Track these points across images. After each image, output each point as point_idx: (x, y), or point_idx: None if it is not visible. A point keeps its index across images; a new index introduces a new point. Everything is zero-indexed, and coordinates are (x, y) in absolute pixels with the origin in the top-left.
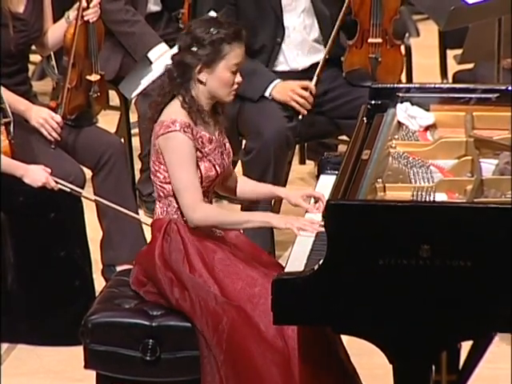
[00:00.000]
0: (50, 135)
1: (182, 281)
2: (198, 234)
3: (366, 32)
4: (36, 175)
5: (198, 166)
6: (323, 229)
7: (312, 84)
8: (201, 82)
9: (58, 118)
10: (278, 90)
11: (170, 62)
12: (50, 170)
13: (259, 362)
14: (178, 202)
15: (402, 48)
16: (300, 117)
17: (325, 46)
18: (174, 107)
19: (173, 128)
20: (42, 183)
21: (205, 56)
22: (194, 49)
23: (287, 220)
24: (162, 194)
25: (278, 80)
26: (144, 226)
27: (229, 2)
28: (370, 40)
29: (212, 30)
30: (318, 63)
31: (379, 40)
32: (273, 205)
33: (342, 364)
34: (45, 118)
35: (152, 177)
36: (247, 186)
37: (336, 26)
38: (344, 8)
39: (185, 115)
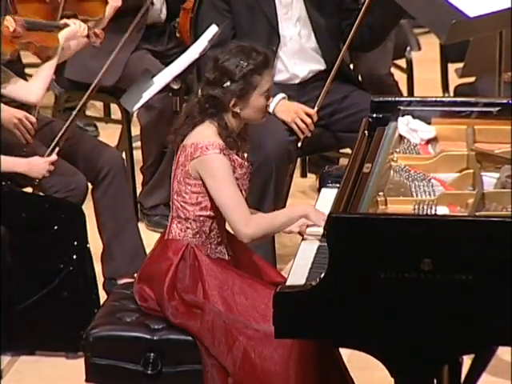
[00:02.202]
0: (24, 137)
1: (193, 306)
2: (214, 259)
3: None
4: (39, 167)
5: None
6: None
7: (315, 111)
8: (236, 114)
9: (33, 118)
10: (282, 108)
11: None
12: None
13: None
14: (217, 222)
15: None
16: (299, 144)
17: (322, 56)
18: (207, 131)
19: (212, 151)
20: (46, 172)
21: (238, 91)
22: (227, 84)
23: (325, 217)
24: (182, 215)
25: (282, 95)
26: (145, 239)
27: (224, 9)
28: None
29: (242, 62)
30: (317, 74)
31: None
32: None
33: (343, 379)
34: (19, 119)
35: (174, 196)
36: None
37: (338, 61)
38: (341, 55)
39: (217, 138)
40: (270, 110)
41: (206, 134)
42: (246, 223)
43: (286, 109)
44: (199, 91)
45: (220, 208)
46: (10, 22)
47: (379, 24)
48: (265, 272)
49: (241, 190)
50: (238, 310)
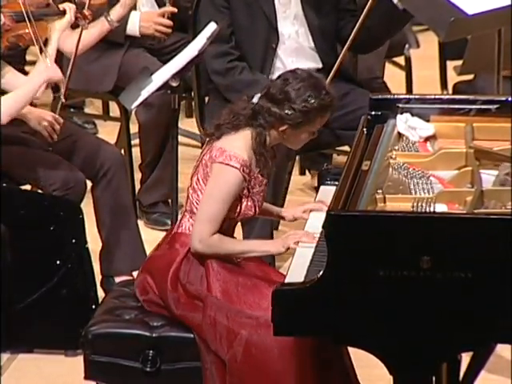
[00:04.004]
0: (51, 137)
1: (196, 298)
2: (220, 259)
3: None
4: (37, 114)
5: (240, 202)
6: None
7: None
8: (282, 133)
9: (61, 120)
10: None
11: (259, 98)
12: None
13: (278, 377)
14: (228, 224)
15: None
16: None
17: (318, 54)
18: (240, 141)
19: (233, 163)
20: (48, 121)
21: (294, 121)
22: (287, 111)
23: (283, 242)
24: (195, 210)
25: None
26: (143, 236)
27: (222, 6)
28: None
29: (309, 98)
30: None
31: None
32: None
33: (346, 375)
34: (50, 121)
35: (190, 191)
36: None
37: (337, 62)
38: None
39: (248, 153)
40: None
41: (237, 145)
42: (201, 241)
43: None
44: (256, 97)
45: (197, 211)
46: None
47: (377, 28)
48: (264, 271)
49: (255, 206)
50: (240, 305)
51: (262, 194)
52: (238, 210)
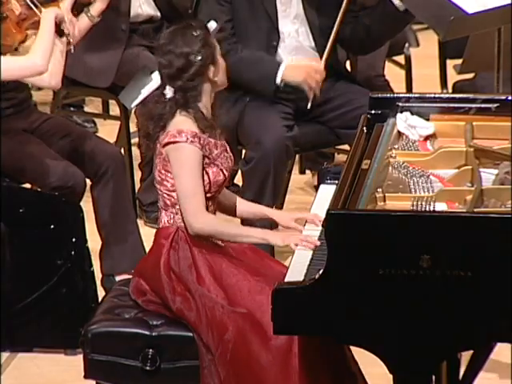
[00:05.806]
0: (72, 34)
1: (188, 290)
2: (204, 243)
3: None
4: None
5: (206, 172)
6: (319, 243)
7: (322, 66)
8: (212, 81)
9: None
10: (290, 72)
11: (171, 89)
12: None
13: (266, 371)
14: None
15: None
16: (309, 105)
17: (318, 52)
18: (178, 120)
19: (179, 139)
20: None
21: (210, 55)
22: (198, 58)
23: (284, 237)
24: (168, 202)
25: (284, 61)
26: (143, 235)
27: (225, 0)
28: None
29: (194, 33)
30: None
31: None
32: None
33: (347, 371)
34: (69, 18)
35: (158, 186)
36: (242, 206)
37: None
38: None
39: (191, 124)
40: (278, 80)
41: (176, 121)
42: (196, 216)
43: (296, 69)
44: (167, 92)
45: (177, 195)
46: (15, 6)
47: (377, 29)
48: (267, 263)
49: (221, 170)
50: (227, 294)
51: (223, 155)
52: (207, 181)
